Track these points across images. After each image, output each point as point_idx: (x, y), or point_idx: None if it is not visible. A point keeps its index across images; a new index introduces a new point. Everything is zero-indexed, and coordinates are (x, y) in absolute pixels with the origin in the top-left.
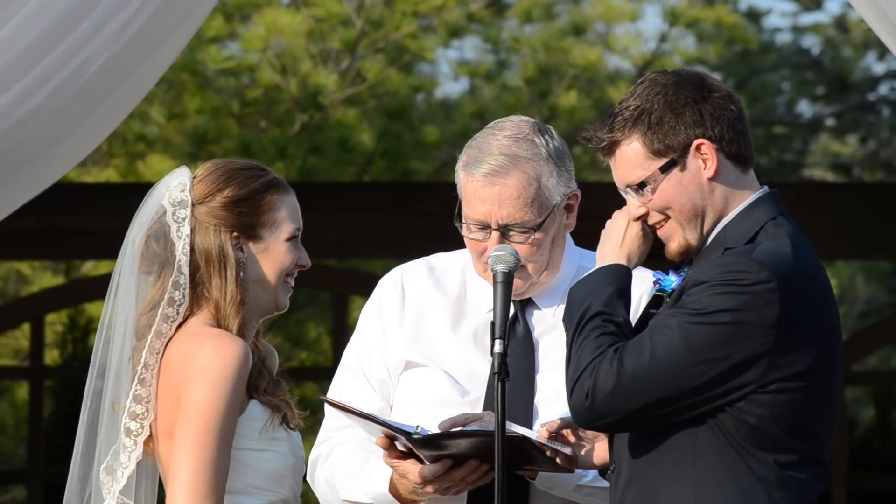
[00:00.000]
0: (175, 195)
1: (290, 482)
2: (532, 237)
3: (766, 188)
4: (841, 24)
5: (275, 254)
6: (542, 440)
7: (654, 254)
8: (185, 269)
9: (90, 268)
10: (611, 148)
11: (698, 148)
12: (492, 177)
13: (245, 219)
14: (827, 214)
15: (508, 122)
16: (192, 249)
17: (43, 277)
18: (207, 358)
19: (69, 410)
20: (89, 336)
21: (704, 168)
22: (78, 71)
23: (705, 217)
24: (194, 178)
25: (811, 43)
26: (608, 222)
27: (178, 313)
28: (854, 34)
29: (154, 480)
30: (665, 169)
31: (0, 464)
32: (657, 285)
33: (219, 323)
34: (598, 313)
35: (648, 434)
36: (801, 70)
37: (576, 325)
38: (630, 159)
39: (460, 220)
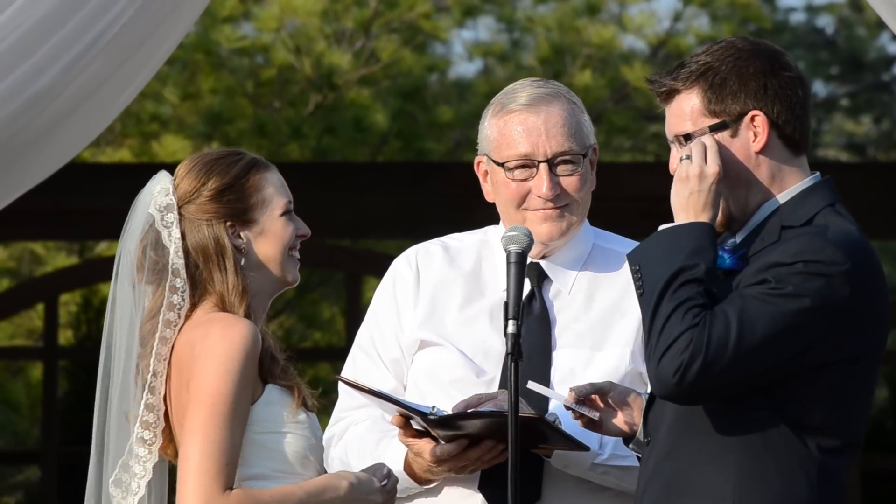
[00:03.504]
0: (160, 200)
1: (313, 464)
2: (580, 168)
3: (818, 174)
4: (855, 3)
5: (273, 232)
6: (568, 403)
7: None
8: (182, 272)
9: (104, 248)
10: (669, 95)
11: (752, 119)
12: (535, 105)
13: (235, 205)
14: (841, 195)
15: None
16: (188, 250)
17: (57, 258)
18: (214, 341)
19: (83, 390)
20: (103, 316)
21: (754, 140)
22: (86, 49)
23: (748, 189)
24: (174, 179)
25: (825, 23)
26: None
27: (179, 316)
28: (868, 14)
29: (164, 480)
30: (714, 129)
31: (14, 444)
32: None
33: (225, 310)
34: (689, 280)
35: (693, 409)
36: (815, 50)
37: (664, 287)
38: (684, 111)
39: (496, 163)
